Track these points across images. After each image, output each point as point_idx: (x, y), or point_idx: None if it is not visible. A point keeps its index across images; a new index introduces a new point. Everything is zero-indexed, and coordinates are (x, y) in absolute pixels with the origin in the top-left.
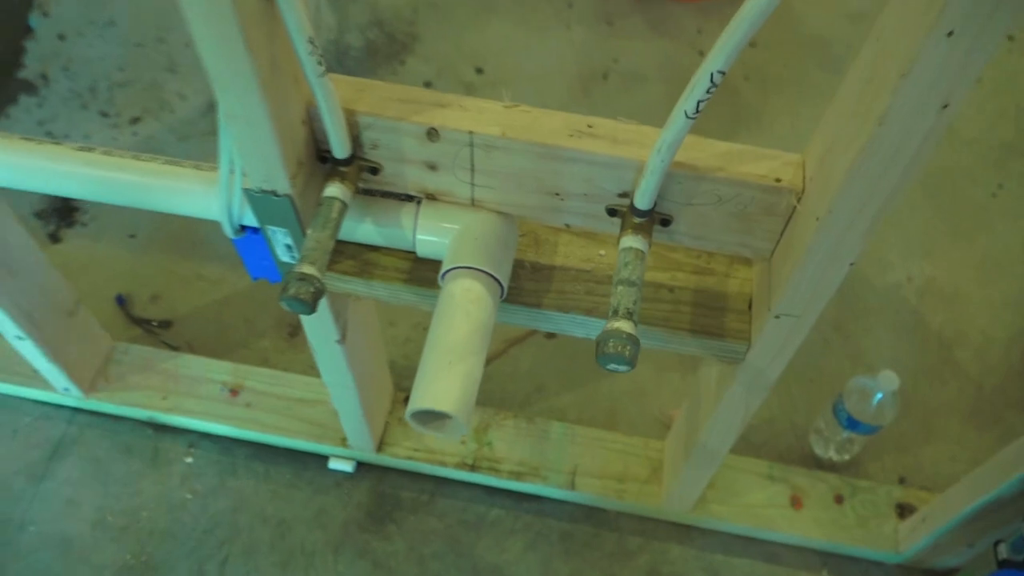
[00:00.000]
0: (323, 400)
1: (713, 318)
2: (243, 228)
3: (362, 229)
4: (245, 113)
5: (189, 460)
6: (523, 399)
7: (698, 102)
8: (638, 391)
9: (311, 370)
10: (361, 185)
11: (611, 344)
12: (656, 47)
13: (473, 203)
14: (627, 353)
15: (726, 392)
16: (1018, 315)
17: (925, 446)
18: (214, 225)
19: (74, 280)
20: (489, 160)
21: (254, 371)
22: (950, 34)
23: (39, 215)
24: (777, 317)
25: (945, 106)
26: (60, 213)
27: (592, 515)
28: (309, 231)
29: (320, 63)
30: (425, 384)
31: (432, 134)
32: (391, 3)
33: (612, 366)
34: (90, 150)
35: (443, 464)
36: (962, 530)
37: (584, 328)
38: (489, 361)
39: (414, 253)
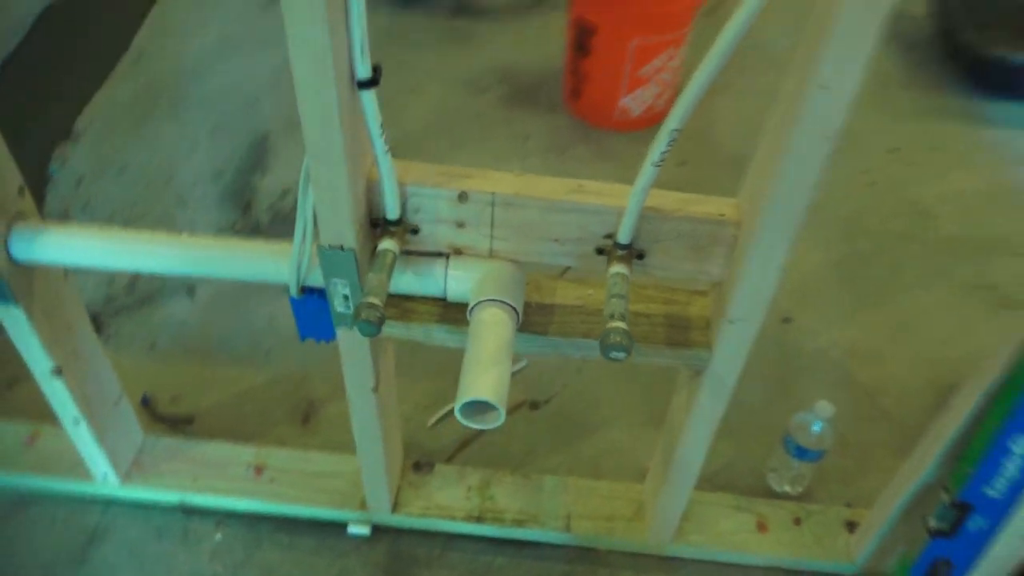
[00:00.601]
0: (341, 472)
1: (681, 334)
2: (302, 290)
3: (402, 280)
4: (329, 179)
5: (218, 537)
6: (517, 462)
7: (661, 154)
8: (616, 449)
9: (325, 451)
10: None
11: (611, 337)
12: (601, 169)
13: (491, 254)
14: (624, 342)
15: (695, 402)
16: (926, 367)
17: (864, 477)
18: (225, 332)
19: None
20: (506, 215)
21: (275, 451)
22: (825, 88)
23: None
24: (731, 322)
25: (828, 139)
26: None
27: (586, 556)
28: (369, 275)
29: (386, 142)
30: (469, 382)
31: (463, 196)
32: None
33: (614, 354)
34: (179, 234)
35: (453, 518)
36: (900, 530)
37: (581, 350)
38: (479, 435)
39: (443, 300)
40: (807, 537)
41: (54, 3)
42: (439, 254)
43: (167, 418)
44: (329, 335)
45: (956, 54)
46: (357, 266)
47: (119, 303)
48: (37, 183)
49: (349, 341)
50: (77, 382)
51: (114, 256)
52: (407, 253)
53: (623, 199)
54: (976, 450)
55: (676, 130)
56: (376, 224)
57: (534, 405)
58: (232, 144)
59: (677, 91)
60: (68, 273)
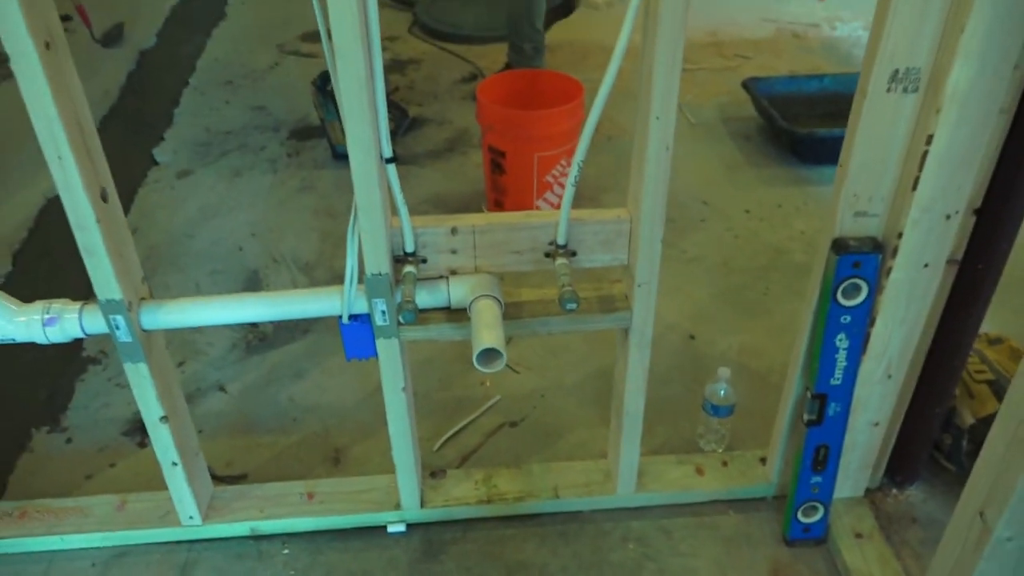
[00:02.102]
0: (375, 487)
1: (609, 304)
2: (351, 318)
3: (418, 297)
4: (372, 225)
5: (286, 551)
6: (509, 464)
7: (575, 178)
8: (581, 444)
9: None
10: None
11: (566, 295)
12: None
13: (476, 270)
14: (574, 297)
15: (629, 355)
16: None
17: (766, 432)
18: (257, 413)
19: None
20: (483, 239)
21: (321, 481)
22: (657, 118)
23: (126, 433)
24: (639, 286)
25: (667, 148)
26: (142, 427)
27: (574, 518)
28: (402, 288)
29: (406, 206)
30: (481, 339)
31: (454, 230)
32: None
33: (569, 306)
34: (256, 293)
35: (468, 504)
36: (790, 450)
37: (546, 326)
38: (475, 450)
39: (447, 308)
40: (734, 473)
41: (52, 198)
42: (440, 276)
43: (225, 477)
44: (370, 352)
45: (778, 138)
46: (391, 287)
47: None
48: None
49: (387, 350)
50: (176, 430)
51: (215, 315)
52: (419, 279)
53: (557, 216)
54: (816, 351)
55: (580, 163)
56: (398, 259)
57: (512, 424)
58: (229, 280)
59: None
60: (167, 343)
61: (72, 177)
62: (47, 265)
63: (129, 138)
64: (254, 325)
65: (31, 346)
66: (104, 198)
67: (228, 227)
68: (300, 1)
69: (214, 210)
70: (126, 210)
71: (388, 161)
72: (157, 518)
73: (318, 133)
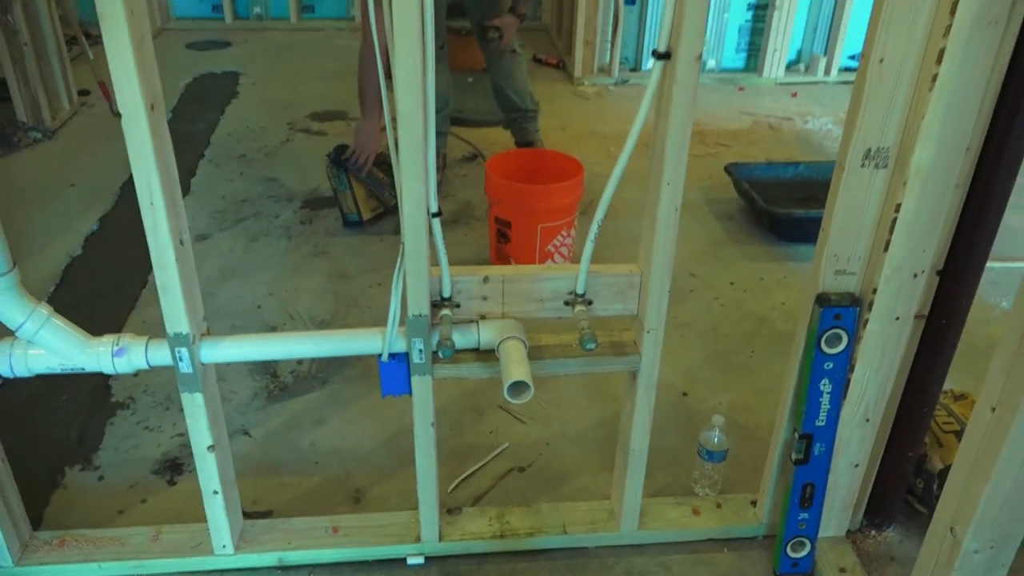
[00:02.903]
0: (396, 522)
1: (620, 348)
2: (390, 357)
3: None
4: (416, 270)
5: None
6: (518, 504)
7: (594, 235)
8: (585, 488)
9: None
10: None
11: (585, 335)
12: None
13: (503, 316)
14: (593, 337)
15: (636, 397)
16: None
17: (756, 479)
18: (280, 456)
19: (194, 503)
20: (511, 288)
21: (345, 516)
22: (668, 184)
23: (156, 471)
24: (648, 332)
25: (676, 210)
26: (172, 466)
27: (580, 553)
28: (440, 327)
29: (447, 254)
30: (511, 373)
31: (486, 279)
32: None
33: (589, 345)
34: (305, 332)
35: (483, 539)
36: (779, 492)
37: (564, 367)
38: (486, 492)
39: (476, 350)
40: (727, 514)
41: (76, 257)
42: (472, 320)
43: (252, 514)
44: (404, 390)
45: (759, 218)
46: (428, 328)
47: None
48: (102, 382)
49: (420, 387)
50: (220, 460)
51: (268, 350)
52: (453, 323)
53: (576, 269)
54: (803, 395)
55: (600, 220)
56: (435, 303)
57: (521, 469)
58: None
59: (575, 258)
60: (219, 378)
61: (160, 222)
62: (73, 317)
63: None
64: (274, 376)
65: (63, 390)
66: (182, 242)
67: (246, 287)
68: (308, 84)
69: (232, 271)
70: (149, 270)
71: (434, 216)
72: (190, 548)
73: (329, 203)
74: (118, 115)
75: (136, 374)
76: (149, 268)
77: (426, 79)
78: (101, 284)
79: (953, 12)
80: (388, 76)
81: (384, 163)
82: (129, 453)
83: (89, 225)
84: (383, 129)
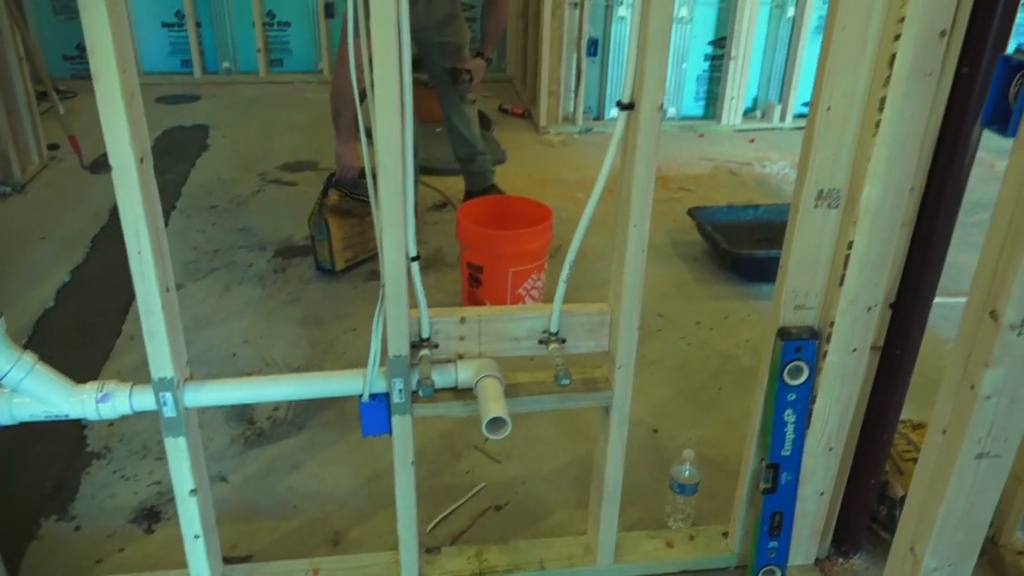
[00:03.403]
0: (376, 563)
1: (593, 385)
2: (371, 397)
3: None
4: (397, 313)
5: None
6: (496, 542)
7: (566, 276)
8: (560, 525)
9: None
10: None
11: (560, 371)
12: None
13: (480, 355)
14: (567, 373)
15: (609, 431)
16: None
17: (727, 511)
18: (258, 501)
19: (173, 551)
20: (487, 328)
21: (325, 558)
22: (635, 226)
23: (133, 520)
24: (620, 368)
25: (642, 251)
26: (149, 514)
27: None
28: (419, 367)
29: (424, 298)
30: (489, 409)
31: (463, 320)
32: None
33: (564, 381)
34: (287, 375)
35: None
36: (749, 522)
37: (540, 404)
38: (464, 531)
39: (455, 389)
40: (700, 546)
41: (49, 309)
42: (450, 360)
43: (232, 559)
44: (385, 429)
45: (722, 259)
46: (408, 368)
47: (170, 495)
48: (77, 432)
49: (400, 426)
50: (201, 504)
51: (250, 393)
52: (432, 362)
53: (550, 309)
54: (768, 426)
55: (571, 264)
56: (414, 344)
57: (498, 507)
58: None
59: (545, 301)
60: (200, 424)
61: (148, 270)
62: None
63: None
64: (251, 422)
65: (37, 441)
66: (168, 289)
67: (221, 335)
68: (278, 135)
69: (206, 320)
70: (123, 321)
71: (413, 260)
72: None
73: (302, 252)
74: (88, 169)
75: (111, 424)
76: (123, 318)
77: (405, 133)
78: (74, 336)
79: (891, 64)
80: (363, 98)
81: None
82: (106, 502)
83: (61, 277)
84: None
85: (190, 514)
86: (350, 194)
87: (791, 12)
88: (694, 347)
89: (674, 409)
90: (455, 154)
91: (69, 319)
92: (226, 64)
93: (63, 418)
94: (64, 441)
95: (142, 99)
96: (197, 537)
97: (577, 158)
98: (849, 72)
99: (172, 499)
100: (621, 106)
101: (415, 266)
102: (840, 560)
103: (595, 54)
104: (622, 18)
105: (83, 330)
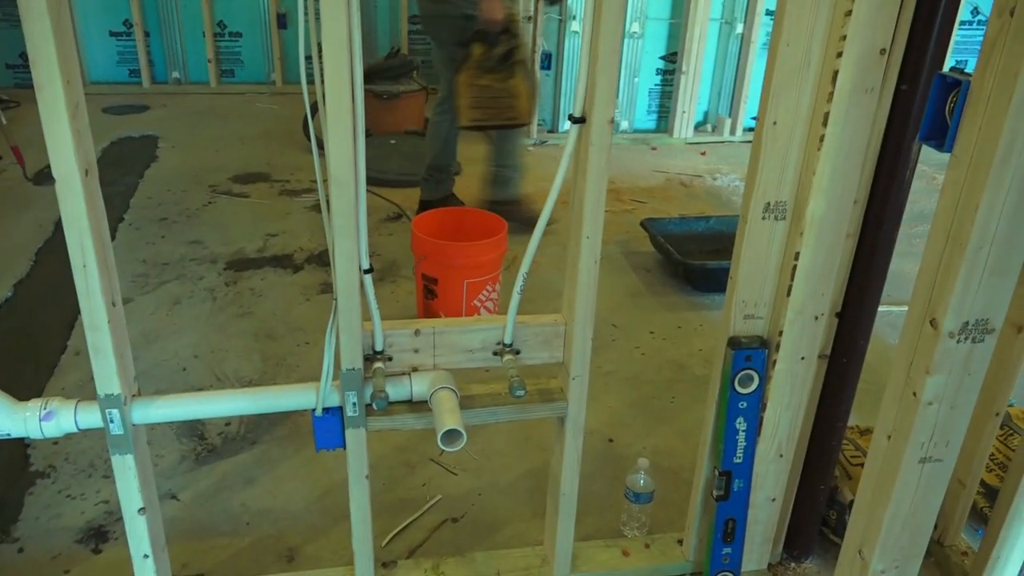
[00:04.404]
0: None
1: (548, 395)
2: (324, 411)
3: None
4: (349, 325)
5: None
6: (452, 554)
7: (520, 288)
8: (517, 535)
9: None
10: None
11: (514, 382)
12: None
13: (435, 367)
14: (522, 384)
15: (565, 441)
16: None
17: (681, 520)
18: (210, 519)
19: (121, 571)
20: (441, 339)
21: (279, 575)
22: (587, 237)
23: (80, 541)
24: (574, 378)
25: (595, 262)
26: (97, 534)
27: None
28: (373, 380)
29: (379, 309)
30: (444, 421)
31: (417, 332)
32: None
33: (518, 392)
34: (237, 390)
35: None
36: (703, 529)
37: (495, 415)
38: (421, 545)
39: (409, 402)
40: (655, 554)
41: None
42: (404, 372)
43: None
44: (338, 443)
45: (675, 269)
46: (362, 381)
47: (119, 514)
48: (19, 451)
49: (354, 439)
50: (151, 523)
51: (200, 409)
52: (386, 375)
53: (504, 320)
54: (720, 434)
55: (524, 275)
56: (367, 357)
57: (454, 520)
58: None
59: (500, 312)
60: (149, 440)
61: (93, 284)
62: None
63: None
64: (202, 438)
65: None
66: (114, 304)
67: (170, 350)
68: (229, 147)
69: (156, 335)
70: (68, 336)
71: (366, 272)
72: None
73: (254, 264)
74: (31, 181)
75: (56, 442)
76: (68, 334)
77: (357, 147)
78: (18, 352)
79: (834, 81)
80: (320, 146)
81: (506, 31)
82: (51, 523)
83: (3, 292)
84: None
85: (139, 533)
86: (491, 49)
87: (740, 28)
88: (648, 357)
89: (629, 419)
90: (496, 161)
91: (12, 335)
92: (175, 74)
93: (5, 437)
94: (5, 460)
95: (89, 109)
96: (146, 557)
97: (532, 170)
98: (793, 89)
99: (120, 518)
100: (573, 120)
101: (368, 278)
102: (792, 564)
103: (549, 68)
104: (575, 32)
105: (27, 346)
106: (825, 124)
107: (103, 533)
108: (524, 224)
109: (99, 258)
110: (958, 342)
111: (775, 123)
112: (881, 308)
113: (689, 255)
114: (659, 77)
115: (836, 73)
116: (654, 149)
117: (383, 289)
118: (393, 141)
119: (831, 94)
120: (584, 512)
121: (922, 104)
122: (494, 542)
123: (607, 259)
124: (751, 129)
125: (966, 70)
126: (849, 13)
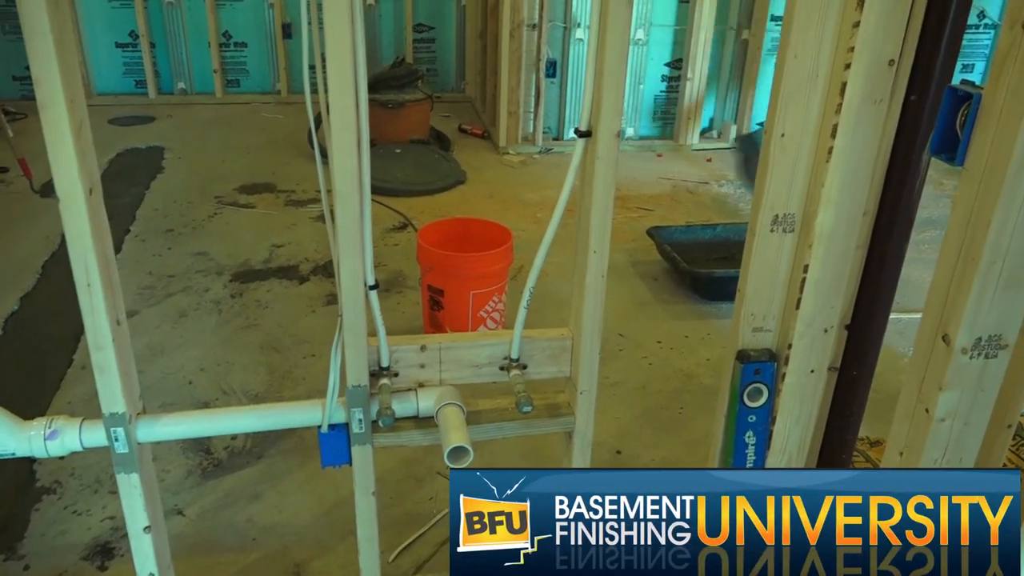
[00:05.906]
0: None
1: (555, 410)
2: (330, 427)
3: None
4: (355, 341)
5: None
6: None
7: (527, 301)
8: None
9: None
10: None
11: (521, 398)
12: None
13: (440, 383)
14: (529, 400)
15: (572, 456)
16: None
17: None
18: (216, 534)
19: None
20: (448, 355)
21: None
22: (594, 252)
23: (86, 557)
24: (582, 393)
25: (602, 276)
26: (103, 551)
27: None
28: (379, 396)
29: (384, 324)
30: (451, 439)
31: (423, 347)
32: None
33: (525, 408)
34: (243, 407)
35: None
36: None
37: (502, 431)
38: (428, 560)
39: (415, 418)
40: None
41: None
42: (410, 388)
43: None
44: (344, 460)
45: (682, 278)
46: (367, 397)
47: (125, 530)
48: (25, 467)
49: (361, 456)
50: (156, 541)
51: (206, 427)
52: (392, 391)
53: (511, 335)
54: (729, 448)
55: (531, 289)
56: (373, 373)
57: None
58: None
59: (507, 323)
60: (155, 457)
61: (98, 303)
62: None
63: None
64: (208, 452)
65: None
66: (118, 322)
67: (176, 363)
68: (235, 157)
69: (161, 348)
70: (74, 350)
71: (371, 288)
72: None
73: (260, 276)
74: (38, 193)
75: (62, 457)
76: (73, 348)
77: (361, 163)
78: (23, 366)
79: (843, 93)
80: (325, 156)
81: None
82: (57, 540)
83: (10, 306)
84: None
85: (144, 552)
86: None
87: (745, 34)
88: (655, 367)
89: (636, 430)
90: None
91: (18, 349)
92: (181, 85)
93: (9, 456)
94: (12, 476)
95: (95, 121)
96: (152, 575)
97: (537, 178)
98: (802, 100)
99: (127, 535)
100: (579, 133)
101: (373, 295)
102: None
103: (554, 75)
104: (580, 40)
105: (33, 359)
106: (834, 136)
107: (109, 550)
108: None
109: (103, 276)
110: (971, 358)
111: (783, 135)
112: (890, 316)
113: (696, 263)
114: (664, 84)
115: (844, 84)
116: (660, 156)
117: (388, 300)
118: (398, 150)
119: (839, 106)
120: None
121: (931, 115)
122: None
123: (614, 268)
124: None
125: (972, 75)
126: (857, 24)
